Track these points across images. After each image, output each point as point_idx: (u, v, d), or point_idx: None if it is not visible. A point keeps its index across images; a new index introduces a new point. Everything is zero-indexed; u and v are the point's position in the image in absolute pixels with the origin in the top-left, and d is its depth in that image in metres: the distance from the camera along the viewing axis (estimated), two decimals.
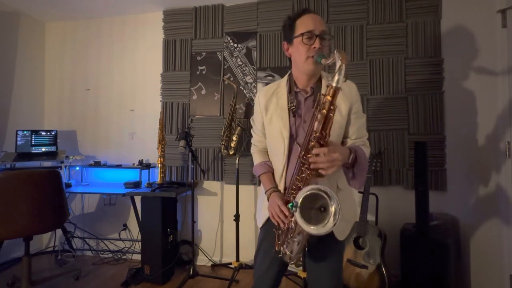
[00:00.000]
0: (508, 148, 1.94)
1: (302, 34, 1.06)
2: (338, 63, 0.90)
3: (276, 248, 1.12)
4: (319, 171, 0.95)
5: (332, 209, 0.91)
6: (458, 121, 2.24)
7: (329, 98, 0.93)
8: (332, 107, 0.93)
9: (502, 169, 1.99)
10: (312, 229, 0.92)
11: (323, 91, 1.10)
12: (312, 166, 0.96)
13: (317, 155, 0.94)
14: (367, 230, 2.02)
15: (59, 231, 2.84)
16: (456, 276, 1.91)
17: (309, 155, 0.97)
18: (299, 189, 1.00)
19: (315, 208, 0.96)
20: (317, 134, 0.95)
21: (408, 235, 2.00)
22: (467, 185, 2.19)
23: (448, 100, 2.28)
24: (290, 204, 0.94)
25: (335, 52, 0.91)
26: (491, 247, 2.04)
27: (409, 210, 2.11)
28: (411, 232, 2.00)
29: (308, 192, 0.93)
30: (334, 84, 0.92)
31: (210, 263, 2.67)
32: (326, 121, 0.94)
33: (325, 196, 0.92)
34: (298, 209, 0.93)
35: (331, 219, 0.90)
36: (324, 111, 0.93)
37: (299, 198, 0.94)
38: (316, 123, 0.96)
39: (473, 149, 2.16)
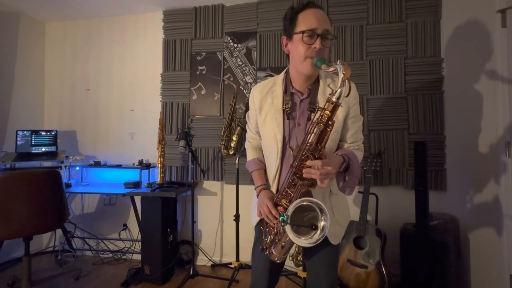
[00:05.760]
0: (508, 148, 1.94)
1: (303, 32, 0.99)
2: (341, 76, 0.85)
3: (263, 246, 1.12)
4: (318, 182, 0.93)
5: (321, 224, 0.92)
6: (458, 121, 2.24)
7: (327, 113, 0.89)
8: (330, 122, 0.90)
9: (502, 169, 1.99)
10: (299, 241, 0.93)
11: (320, 99, 1.06)
12: (305, 175, 0.93)
13: (309, 167, 0.92)
14: (367, 230, 2.02)
15: (59, 231, 2.84)
16: (456, 276, 1.91)
17: (302, 166, 0.94)
18: (289, 196, 1.00)
19: (304, 218, 0.97)
20: (312, 146, 0.92)
21: (408, 235, 2.00)
22: (467, 185, 2.19)
23: (448, 100, 2.28)
24: (281, 217, 0.93)
25: (338, 62, 0.86)
26: (491, 247, 2.04)
27: (409, 210, 2.11)
28: (411, 232, 2.00)
29: (299, 204, 0.93)
30: (334, 100, 0.87)
31: (210, 263, 2.67)
32: (322, 135, 0.91)
33: (316, 209, 0.92)
34: (288, 224, 0.93)
35: (318, 232, 0.92)
36: (322, 125, 0.90)
37: (290, 211, 0.93)
38: (311, 136, 0.92)
39: (473, 149, 2.16)
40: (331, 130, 0.91)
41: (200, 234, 2.75)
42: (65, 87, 3.10)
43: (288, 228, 0.93)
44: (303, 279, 2.12)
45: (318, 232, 0.92)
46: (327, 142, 0.93)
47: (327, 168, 0.90)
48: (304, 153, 0.94)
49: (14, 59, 2.84)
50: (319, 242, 0.92)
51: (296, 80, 1.11)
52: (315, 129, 0.91)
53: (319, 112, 0.92)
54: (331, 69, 0.89)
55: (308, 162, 0.92)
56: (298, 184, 0.97)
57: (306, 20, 1.00)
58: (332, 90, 0.91)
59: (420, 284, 1.91)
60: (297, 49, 1.03)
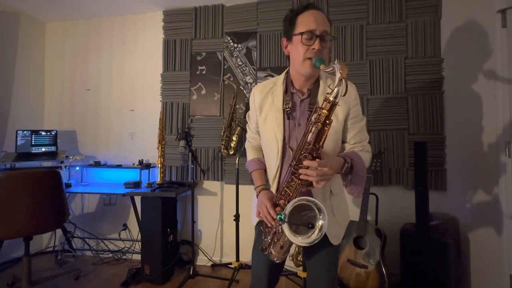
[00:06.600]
0: (508, 148, 1.94)
1: (301, 33, 1.01)
2: (338, 75, 0.86)
3: (263, 246, 1.12)
4: (313, 184, 0.93)
5: (319, 223, 0.92)
6: (458, 121, 2.24)
7: (325, 112, 0.90)
8: (327, 121, 0.90)
9: (502, 169, 1.99)
10: (297, 240, 0.93)
11: (320, 99, 1.06)
12: (301, 177, 0.94)
13: (307, 167, 0.92)
14: (367, 230, 2.02)
15: (59, 231, 2.84)
16: (456, 276, 1.91)
17: (300, 165, 0.95)
18: (288, 195, 1.00)
19: (303, 218, 0.97)
20: (310, 146, 0.92)
21: (408, 235, 2.00)
22: (467, 185, 2.19)
23: (448, 100, 2.28)
24: (279, 216, 0.94)
25: (336, 62, 0.87)
26: (491, 247, 2.04)
27: (409, 210, 2.11)
28: (411, 232, 2.00)
29: (297, 203, 0.94)
30: (331, 99, 0.88)
31: (210, 263, 2.67)
32: (320, 135, 0.91)
33: (314, 208, 0.92)
34: (286, 222, 0.93)
35: (316, 231, 0.92)
36: (319, 124, 0.90)
37: (288, 210, 0.93)
38: (310, 135, 0.93)
39: (473, 149, 2.16)
40: (329, 129, 0.92)
41: (200, 234, 2.75)
42: (65, 87, 3.10)
43: (285, 227, 0.93)
44: (303, 279, 2.12)
45: (316, 231, 0.92)
46: (325, 142, 0.93)
47: (323, 169, 0.90)
48: (302, 152, 0.95)
49: (14, 59, 2.84)
50: (316, 241, 0.92)
51: (296, 80, 1.12)
52: (313, 128, 0.92)
53: (317, 111, 0.92)
54: (329, 69, 0.90)
55: (305, 162, 0.92)
56: (296, 183, 0.97)
57: (305, 22, 1.02)
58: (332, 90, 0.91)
59: (420, 284, 1.91)
60: (297, 50, 1.04)
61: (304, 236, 0.93)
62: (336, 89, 0.87)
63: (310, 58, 1.01)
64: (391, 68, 2.38)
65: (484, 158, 2.11)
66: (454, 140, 2.26)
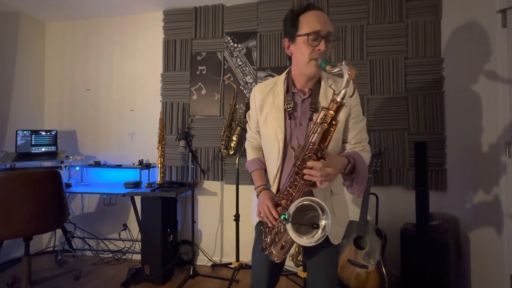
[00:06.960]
0: (508, 148, 1.94)
1: (307, 34, 1.00)
2: (346, 77, 0.86)
3: (263, 246, 1.12)
4: (317, 184, 0.94)
5: (322, 223, 0.92)
6: (458, 121, 2.24)
7: (332, 113, 0.90)
8: (333, 122, 0.90)
9: (502, 169, 1.99)
10: (300, 240, 0.94)
11: (321, 99, 1.07)
12: (306, 177, 0.94)
13: (311, 168, 0.92)
14: (367, 230, 2.02)
15: (59, 231, 2.84)
16: (456, 276, 1.91)
17: (304, 165, 0.95)
18: (291, 195, 1.00)
19: (306, 217, 0.97)
20: (315, 146, 0.93)
21: (408, 235, 2.00)
22: (467, 185, 2.19)
23: (448, 100, 2.28)
24: (283, 216, 0.94)
25: (343, 63, 0.87)
26: (491, 247, 2.04)
27: (409, 210, 2.11)
28: (411, 232, 2.00)
29: (301, 203, 0.94)
30: (339, 100, 0.88)
31: (210, 263, 2.67)
32: (326, 135, 0.92)
33: (317, 208, 0.93)
34: (289, 222, 0.93)
35: (320, 231, 0.92)
36: (325, 125, 0.90)
37: (292, 210, 0.94)
38: (315, 135, 0.93)
39: (473, 149, 2.16)
40: (334, 130, 0.92)
41: (200, 234, 2.75)
42: (65, 87, 3.10)
43: (289, 227, 0.93)
44: (303, 279, 2.12)
45: (320, 231, 0.92)
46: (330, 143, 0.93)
47: (327, 170, 0.90)
48: (307, 152, 0.95)
49: (14, 59, 2.83)
50: (320, 241, 0.93)
51: (298, 80, 1.12)
52: (319, 129, 0.92)
53: (323, 112, 0.92)
54: (336, 69, 0.90)
55: (309, 163, 0.92)
56: (300, 184, 0.97)
57: (309, 22, 1.01)
58: (334, 91, 0.91)
59: (420, 284, 1.91)
60: (301, 51, 1.03)
61: (308, 236, 0.94)
62: (343, 90, 0.87)
63: (315, 59, 1.00)
64: (391, 68, 2.38)
65: (484, 158, 2.11)
66: (454, 140, 2.26)
